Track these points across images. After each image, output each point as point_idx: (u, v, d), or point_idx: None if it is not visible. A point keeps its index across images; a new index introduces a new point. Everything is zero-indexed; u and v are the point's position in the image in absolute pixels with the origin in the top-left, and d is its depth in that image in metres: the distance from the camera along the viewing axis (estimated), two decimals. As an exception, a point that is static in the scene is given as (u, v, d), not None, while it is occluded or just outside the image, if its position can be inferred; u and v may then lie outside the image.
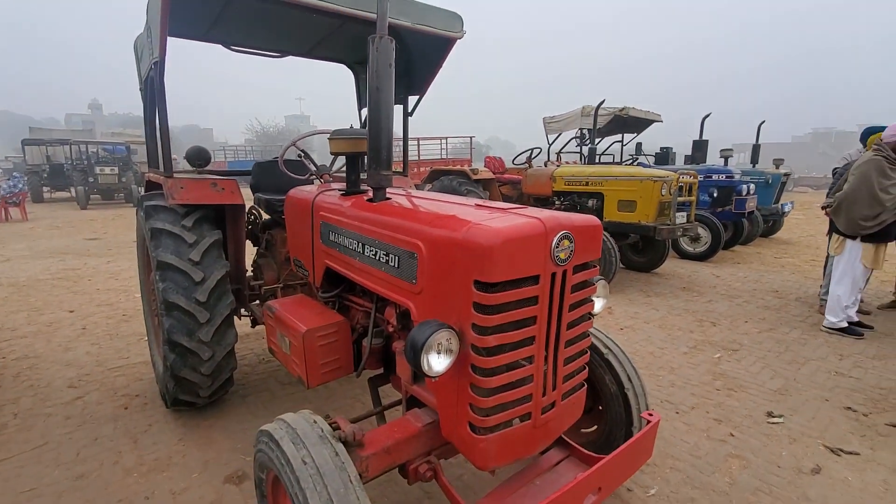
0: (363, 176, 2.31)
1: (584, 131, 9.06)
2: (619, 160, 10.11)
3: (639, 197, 5.83)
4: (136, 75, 3.42)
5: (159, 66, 2.44)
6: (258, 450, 1.57)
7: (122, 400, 3.14)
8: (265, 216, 3.51)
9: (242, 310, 3.17)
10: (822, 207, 4.79)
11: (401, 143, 3.82)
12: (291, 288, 3.18)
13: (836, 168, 5.46)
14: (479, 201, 1.81)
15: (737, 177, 8.26)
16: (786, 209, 9.66)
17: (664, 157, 10.85)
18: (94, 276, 6.67)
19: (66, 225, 12.12)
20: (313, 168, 2.91)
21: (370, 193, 2.22)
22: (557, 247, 1.47)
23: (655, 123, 9.70)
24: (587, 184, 6.36)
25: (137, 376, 3.50)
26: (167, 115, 2.63)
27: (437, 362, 1.40)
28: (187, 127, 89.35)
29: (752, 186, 8.16)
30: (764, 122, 9.77)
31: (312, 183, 2.96)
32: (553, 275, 1.50)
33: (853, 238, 4.30)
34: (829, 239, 4.75)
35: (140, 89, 3.31)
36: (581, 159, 9.19)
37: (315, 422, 1.52)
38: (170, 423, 2.87)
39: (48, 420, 2.92)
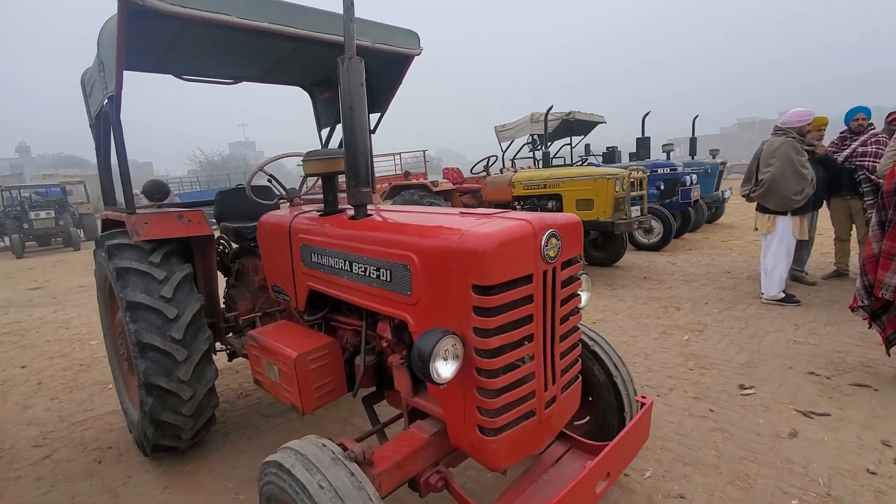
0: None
1: (535, 137, 9.36)
2: (569, 162, 10.52)
3: (595, 195, 6.08)
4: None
5: (115, 100, 2.35)
6: (266, 482, 1.53)
7: (93, 454, 2.94)
8: (234, 245, 3.41)
9: (218, 343, 3.06)
10: (744, 195, 5.09)
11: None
12: (270, 316, 3.10)
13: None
14: (462, 210, 1.86)
15: (679, 169, 8.77)
16: (726, 195, 10.34)
17: (611, 156, 11.38)
18: (42, 327, 6.21)
19: (3, 276, 11.22)
20: (282, 192, 2.88)
21: (349, 212, 2.23)
22: (546, 245, 1.53)
23: (600, 124, 10.17)
24: (545, 186, 6.57)
25: (106, 427, 3.28)
26: (125, 149, 2.53)
27: (445, 368, 1.42)
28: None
29: (695, 177, 8.68)
30: (697, 116, 10.46)
31: (279, 207, 2.92)
32: (544, 272, 1.56)
33: (784, 214, 4.69)
34: (756, 220, 5.03)
35: (90, 126, 3.16)
36: (535, 164, 9.48)
37: (324, 445, 1.50)
38: (150, 471, 2.71)
39: (18, 483, 2.69)
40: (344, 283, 1.97)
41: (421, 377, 1.44)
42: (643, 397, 2.03)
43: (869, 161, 4.77)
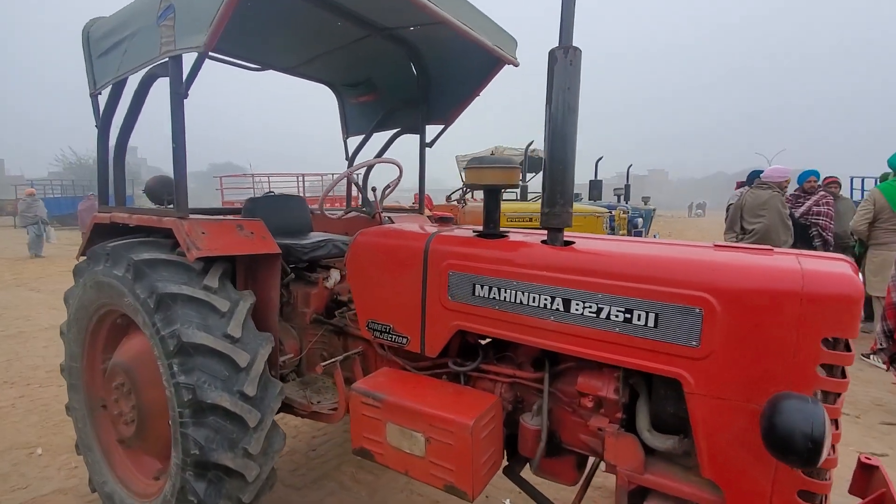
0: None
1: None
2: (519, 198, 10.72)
3: (585, 231, 6.14)
4: None
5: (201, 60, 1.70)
6: None
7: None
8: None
9: None
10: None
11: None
12: (321, 359, 2.45)
13: (730, 203, 6.49)
14: (716, 243, 1.56)
15: (630, 212, 9.37)
16: (656, 237, 11.30)
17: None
18: None
19: None
20: (370, 205, 2.33)
21: (513, 236, 1.81)
22: None
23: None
24: (530, 220, 6.50)
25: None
26: (184, 143, 1.83)
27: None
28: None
29: (641, 220, 9.33)
30: (632, 165, 11.41)
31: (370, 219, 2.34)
32: None
33: None
34: None
35: (93, 94, 2.31)
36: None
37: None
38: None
39: None
40: (547, 325, 1.53)
41: (795, 465, 1.09)
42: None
43: (823, 220, 5.39)
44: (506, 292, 1.61)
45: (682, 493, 1.39)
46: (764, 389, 1.21)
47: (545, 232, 1.75)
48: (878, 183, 5.69)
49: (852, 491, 1.60)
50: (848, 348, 1.16)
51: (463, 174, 9.89)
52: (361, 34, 2.74)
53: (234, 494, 1.77)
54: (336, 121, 3.62)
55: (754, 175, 6.16)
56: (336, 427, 3.29)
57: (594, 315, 1.44)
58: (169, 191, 2.47)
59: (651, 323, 1.35)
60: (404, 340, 1.92)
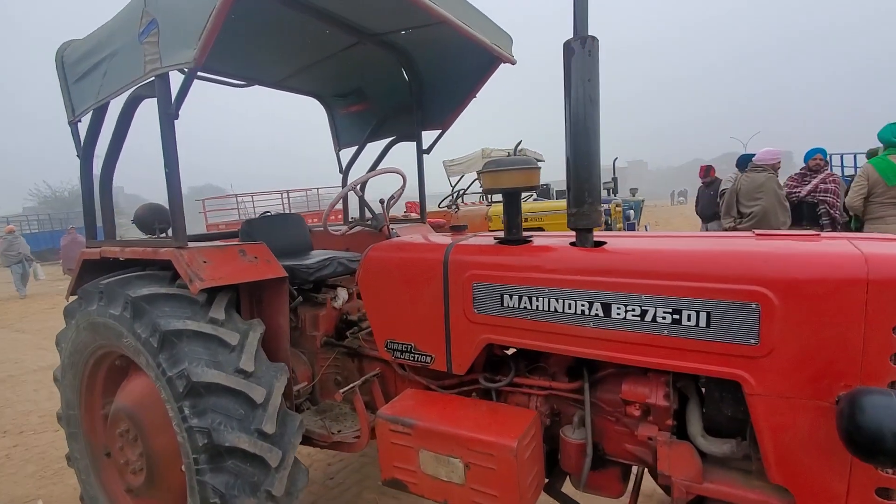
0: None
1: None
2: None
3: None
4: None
5: (190, 77, 1.58)
6: None
7: None
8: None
9: None
10: (728, 227, 5.51)
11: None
12: (336, 384, 2.33)
13: (723, 189, 6.49)
14: (757, 231, 1.48)
15: (622, 205, 9.38)
16: (647, 228, 11.33)
17: (545, 192, 11.85)
18: None
19: None
20: (376, 218, 2.22)
21: (538, 241, 1.72)
22: None
23: (540, 162, 10.58)
24: (526, 220, 6.43)
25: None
26: (176, 150, 1.70)
27: None
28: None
29: (633, 212, 9.35)
30: (617, 158, 11.44)
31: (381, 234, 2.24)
32: None
33: None
34: None
35: (72, 122, 2.16)
36: (484, 199, 9.42)
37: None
38: None
39: None
40: (586, 332, 1.44)
41: (885, 463, 1.01)
42: None
43: (830, 197, 5.39)
44: (538, 300, 1.51)
45: (748, 500, 1.30)
46: (832, 385, 1.13)
47: (569, 234, 1.66)
48: (867, 158, 5.74)
49: None
50: None
51: (451, 179, 9.83)
52: (350, 42, 2.64)
53: (260, 542, 1.64)
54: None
55: (745, 159, 6.17)
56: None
57: (638, 318, 1.35)
58: (161, 219, 2.34)
59: (703, 323, 1.26)
60: (428, 359, 1.81)
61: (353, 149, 3.37)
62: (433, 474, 1.57)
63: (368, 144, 3.30)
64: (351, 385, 1.95)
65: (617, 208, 6.99)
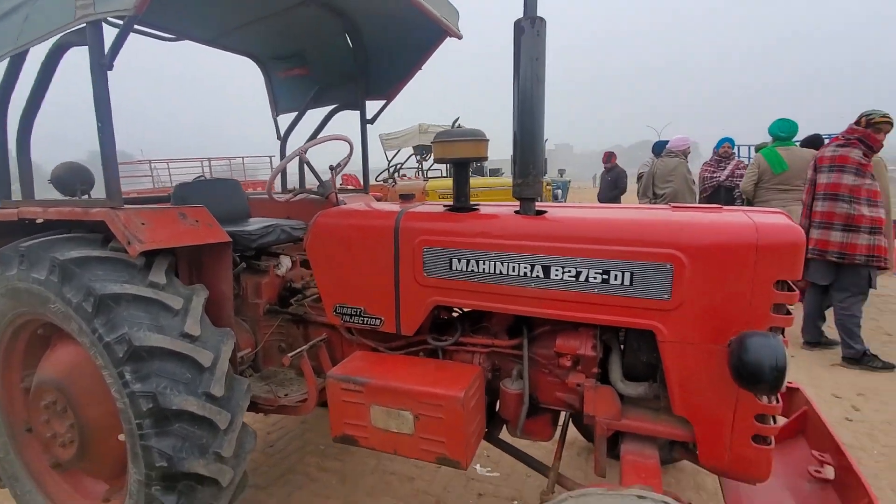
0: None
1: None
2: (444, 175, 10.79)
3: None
4: None
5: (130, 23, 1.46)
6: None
7: None
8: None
9: None
10: None
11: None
12: (280, 350, 2.33)
13: (641, 172, 7.05)
14: (674, 204, 1.69)
15: (552, 184, 9.83)
16: (573, 208, 12.02)
17: (479, 169, 12.09)
18: None
19: None
20: (324, 185, 2.21)
21: (484, 209, 1.83)
22: None
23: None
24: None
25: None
26: (110, 119, 1.58)
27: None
28: None
29: (560, 192, 9.85)
30: (547, 139, 11.92)
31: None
32: None
33: None
34: None
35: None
36: (420, 174, 9.45)
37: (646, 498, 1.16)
38: None
39: None
40: (528, 292, 1.58)
41: (764, 392, 1.24)
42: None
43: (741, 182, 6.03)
44: (484, 264, 1.63)
45: (657, 431, 1.54)
46: (726, 331, 1.36)
47: (514, 204, 1.79)
48: (757, 150, 6.49)
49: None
50: (792, 289, 1.34)
51: (388, 154, 9.72)
52: (294, 2, 2.54)
53: (209, 502, 1.65)
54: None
55: (661, 145, 6.72)
56: (290, 420, 3.17)
57: (573, 279, 1.51)
58: (83, 179, 2.17)
59: (627, 282, 1.45)
60: (378, 322, 1.88)
61: (293, 115, 3.27)
62: (384, 427, 1.66)
63: (309, 112, 3.21)
64: (298, 350, 1.98)
65: (547, 187, 7.35)
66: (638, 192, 6.51)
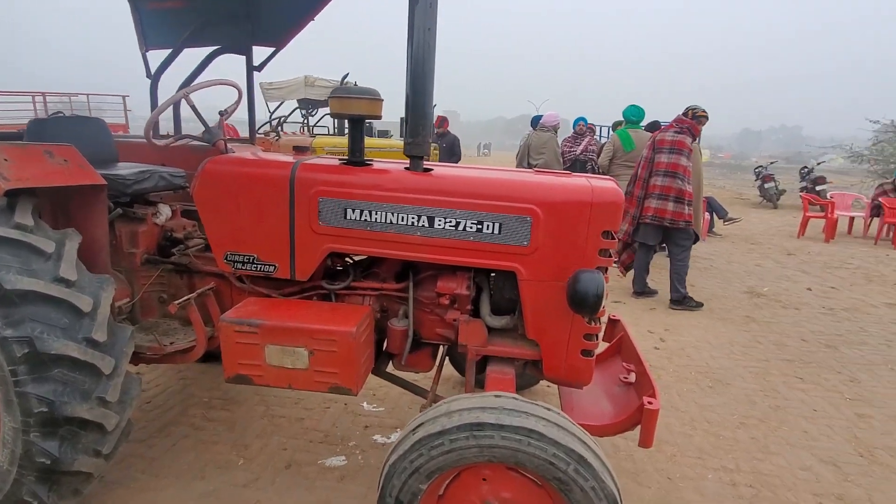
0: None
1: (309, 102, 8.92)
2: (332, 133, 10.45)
3: (402, 166, 6.51)
4: None
5: None
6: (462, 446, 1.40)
7: None
8: None
9: None
10: None
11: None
12: (161, 301, 2.27)
13: (521, 143, 7.67)
14: (537, 169, 2.00)
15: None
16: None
17: (368, 130, 11.90)
18: None
19: None
20: (211, 132, 2.15)
21: (377, 164, 1.98)
22: None
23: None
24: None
25: None
26: None
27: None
28: None
29: (447, 157, 10.19)
30: (436, 104, 12.13)
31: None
32: None
33: None
34: None
35: None
36: (306, 129, 9.06)
37: (500, 396, 1.49)
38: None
39: None
40: (415, 240, 1.81)
41: (588, 314, 1.63)
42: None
43: (593, 156, 6.89)
44: (377, 214, 1.81)
45: (514, 353, 1.91)
46: (567, 270, 1.72)
47: (405, 161, 1.98)
48: (613, 129, 7.47)
49: (603, 339, 2.39)
50: (613, 237, 1.74)
51: (269, 105, 9.10)
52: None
53: (92, 447, 1.64)
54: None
55: (537, 119, 7.36)
56: (168, 377, 3.08)
57: (453, 228, 1.77)
58: None
59: (497, 231, 1.74)
60: (271, 269, 1.96)
61: (166, 53, 2.99)
62: (278, 364, 1.79)
63: (186, 51, 2.97)
64: (186, 297, 1.98)
65: (434, 151, 7.59)
66: (516, 161, 7.12)
